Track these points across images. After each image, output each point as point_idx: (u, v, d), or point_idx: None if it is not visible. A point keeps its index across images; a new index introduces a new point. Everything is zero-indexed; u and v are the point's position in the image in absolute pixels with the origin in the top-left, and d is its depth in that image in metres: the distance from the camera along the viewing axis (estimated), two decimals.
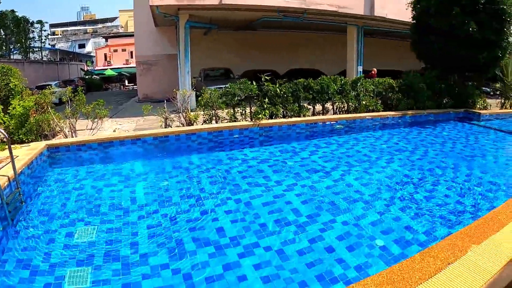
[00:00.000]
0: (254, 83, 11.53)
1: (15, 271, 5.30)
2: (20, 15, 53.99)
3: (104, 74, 57.68)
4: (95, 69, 67.68)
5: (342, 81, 12.78)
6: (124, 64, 65.66)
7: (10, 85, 10.93)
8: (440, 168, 8.89)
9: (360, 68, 22.81)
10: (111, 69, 61.45)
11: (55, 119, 11.16)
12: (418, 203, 6.94)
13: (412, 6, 16.66)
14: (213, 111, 11.33)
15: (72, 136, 10.91)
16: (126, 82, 57.18)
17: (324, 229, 6.03)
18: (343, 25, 22.63)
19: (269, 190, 7.54)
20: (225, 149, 10.44)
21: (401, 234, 5.87)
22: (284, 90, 11.40)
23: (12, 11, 53.37)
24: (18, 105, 10.48)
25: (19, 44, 55.90)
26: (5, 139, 8.92)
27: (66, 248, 5.88)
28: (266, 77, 11.56)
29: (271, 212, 6.63)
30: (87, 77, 52.13)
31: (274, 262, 5.23)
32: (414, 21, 16.54)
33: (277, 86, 11.46)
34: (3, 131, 7.00)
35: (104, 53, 70.20)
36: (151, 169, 9.40)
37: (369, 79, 13.64)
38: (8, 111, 10.47)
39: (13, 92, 10.98)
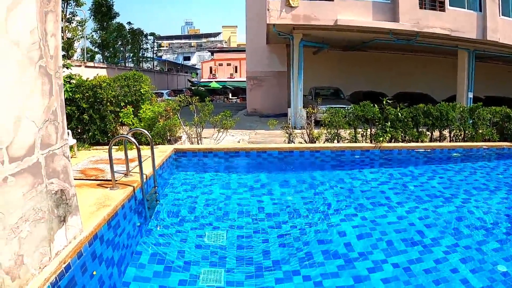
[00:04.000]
0: (376, 106, 11.67)
1: (149, 265, 5.72)
2: (135, 27, 57.58)
3: (209, 86, 59.48)
4: (200, 81, 69.93)
5: (460, 108, 12.61)
6: (228, 78, 67.32)
7: (141, 90, 11.60)
8: None
9: (471, 95, 22.07)
10: (216, 81, 63.28)
11: (183, 126, 11.85)
12: None
13: None
14: (336, 131, 11.56)
15: (198, 143, 11.54)
16: (230, 95, 58.64)
17: (447, 251, 6.10)
18: (454, 48, 22.14)
19: (392, 210, 7.68)
20: (346, 168, 10.61)
21: None
22: (404, 115, 11.46)
23: (129, 23, 56.98)
24: (149, 109, 11.19)
25: (132, 54, 59.40)
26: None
27: (199, 248, 6.28)
28: (388, 101, 11.68)
29: (397, 231, 6.78)
30: (193, 88, 54.09)
31: (402, 278, 5.38)
32: None
33: (398, 110, 11.53)
34: (146, 131, 7.57)
35: (210, 66, 72.41)
36: (275, 181, 9.69)
37: (485, 108, 13.27)
38: (138, 114, 11.24)
39: (143, 97, 11.67)
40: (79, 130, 10.95)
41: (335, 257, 5.97)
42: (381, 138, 10.90)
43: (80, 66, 30.34)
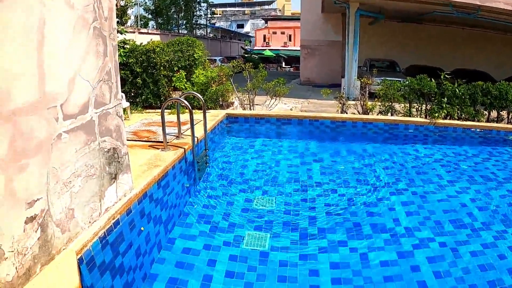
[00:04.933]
0: (433, 80, 11.31)
1: (196, 225, 5.87)
2: None
3: (263, 54, 59.04)
4: (254, 48, 69.65)
5: None
6: (282, 46, 66.71)
7: (194, 55, 11.74)
8: None
9: None
10: (269, 50, 62.79)
11: (236, 92, 11.90)
12: None
13: None
14: (390, 103, 11.34)
15: (250, 109, 11.57)
16: (283, 63, 58.13)
17: (497, 237, 5.88)
18: None
19: (443, 189, 7.46)
20: (399, 142, 10.40)
21: None
22: (462, 91, 11.05)
23: None
24: (202, 74, 11.29)
25: (185, 21, 59.75)
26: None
27: (245, 212, 6.38)
28: (446, 76, 11.27)
29: (446, 211, 6.60)
30: (246, 55, 53.99)
31: (448, 259, 5.27)
32: None
33: (456, 86, 11.12)
34: (199, 95, 7.64)
35: (263, 34, 71.92)
36: (326, 150, 9.66)
37: None
38: (190, 79, 11.34)
39: (196, 62, 11.83)
40: (133, 94, 11.21)
41: (383, 231, 5.92)
42: (436, 114, 10.58)
43: (133, 32, 30.76)
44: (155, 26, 52.15)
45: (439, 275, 4.93)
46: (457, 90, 11.01)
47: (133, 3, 39.78)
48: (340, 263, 5.14)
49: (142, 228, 4.59)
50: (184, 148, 6.48)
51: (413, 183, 7.66)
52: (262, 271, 4.94)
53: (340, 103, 11.84)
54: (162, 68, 10.94)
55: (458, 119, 11.12)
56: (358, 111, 11.73)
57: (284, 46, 66.70)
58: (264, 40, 70.74)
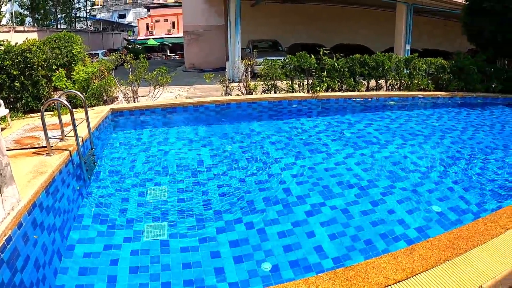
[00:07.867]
0: (312, 56, 11.78)
1: (93, 226, 5.74)
2: None
3: (147, 43, 57.95)
4: (137, 39, 68.17)
5: (396, 59, 12.90)
6: (166, 34, 65.79)
7: (73, 51, 11.33)
8: (489, 148, 9.04)
9: (408, 47, 22.31)
10: (153, 39, 61.72)
11: (118, 85, 11.66)
12: (470, 177, 7.22)
13: None
14: (273, 82, 11.68)
15: (134, 102, 11.41)
16: (168, 52, 57.45)
17: (384, 193, 6.42)
18: (393, 2, 22.28)
19: (330, 157, 7.92)
20: (284, 118, 10.78)
21: (456, 203, 6.21)
22: (341, 65, 11.63)
23: None
24: (82, 70, 10.92)
25: (64, 15, 57.17)
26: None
27: (141, 205, 6.34)
28: (324, 51, 11.79)
29: (333, 176, 7.03)
30: (130, 46, 52.77)
31: (340, 220, 5.63)
32: (467, 3, 16.06)
33: (335, 60, 11.68)
34: (79, 93, 7.40)
35: (146, 23, 70.51)
36: (214, 134, 9.80)
37: (421, 59, 13.60)
38: (71, 77, 10.94)
39: (75, 59, 11.42)
40: (12, 99, 10.57)
41: (275, 203, 6.14)
42: (317, 88, 11.09)
43: (9, 31, 28.89)
44: (32, 23, 49.19)
45: (334, 236, 5.27)
46: (336, 63, 11.59)
47: (6, 0, 37.21)
48: (239, 240, 5.30)
49: (35, 237, 4.45)
50: (69, 150, 6.29)
51: (301, 155, 8.04)
52: (166, 261, 4.97)
53: (224, 86, 12.07)
54: (40, 68, 10.35)
55: (339, 91, 11.72)
56: (242, 92, 12.01)
57: (168, 34, 65.86)
58: (148, 29, 69.37)
